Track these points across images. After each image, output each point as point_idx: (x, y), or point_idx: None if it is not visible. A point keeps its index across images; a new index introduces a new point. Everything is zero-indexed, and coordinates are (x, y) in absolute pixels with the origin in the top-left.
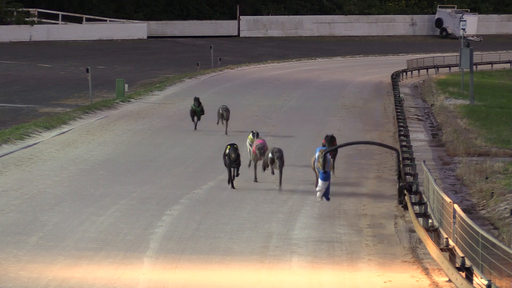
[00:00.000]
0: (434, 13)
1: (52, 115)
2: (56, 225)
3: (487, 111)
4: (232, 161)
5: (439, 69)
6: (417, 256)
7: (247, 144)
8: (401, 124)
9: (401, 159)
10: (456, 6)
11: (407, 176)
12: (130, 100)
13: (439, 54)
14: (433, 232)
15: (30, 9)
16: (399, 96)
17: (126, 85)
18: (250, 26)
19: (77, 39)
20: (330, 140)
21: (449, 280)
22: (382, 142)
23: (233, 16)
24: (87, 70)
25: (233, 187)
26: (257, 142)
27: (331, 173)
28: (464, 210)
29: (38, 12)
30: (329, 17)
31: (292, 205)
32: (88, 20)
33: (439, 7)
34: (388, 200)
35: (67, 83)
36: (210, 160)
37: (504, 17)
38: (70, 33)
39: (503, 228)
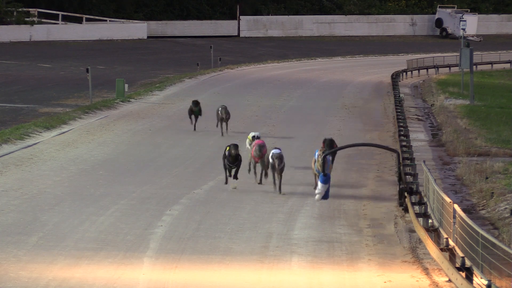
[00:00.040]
0: (434, 13)
1: (52, 115)
2: (56, 225)
3: (487, 111)
4: (232, 158)
5: (439, 69)
6: (417, 256)
7: (247, 144)
8: (401, 124)
9: (401, 161)
10: (456, 6)
11: (407, 177)
12: (130, 100)
13: (439, 54)
14: (433, 232)
15: (30, 9)
16: (399, 96)
17: (126, 85)
18: (250, 26)
19: (77, 39)
20: (329, 143)
21: (449, 280)
22: (383, 142)
23: (233, 16)
24: (87, 70)
25: (226, 182)
26: (256, 142)
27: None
28: (464, 210)
29: (38, 12)
30: (329, 17)
31: (292, 205)
32: (88, 20)
33: (439, 7)
34: (388, 200)
35: (67, 83)
36: (210, 160)
37: (504, 17)
38: (70, 33)
39: (503, 228)
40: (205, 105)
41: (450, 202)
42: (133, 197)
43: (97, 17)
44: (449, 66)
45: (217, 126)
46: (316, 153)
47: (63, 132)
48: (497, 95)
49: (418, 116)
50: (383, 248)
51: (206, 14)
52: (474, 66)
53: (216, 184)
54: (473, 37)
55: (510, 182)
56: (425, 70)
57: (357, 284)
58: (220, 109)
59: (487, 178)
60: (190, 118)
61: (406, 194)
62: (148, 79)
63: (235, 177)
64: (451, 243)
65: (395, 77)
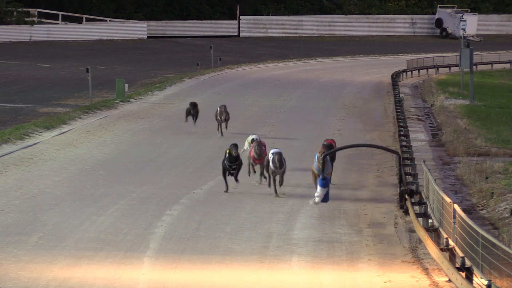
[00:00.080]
0: (434, 13)
1: (52, 115)
2: (56, 225)
3: (487, 111)
4: (233, 158)
5: (439, 69)
6: (417, 256)
7: (245, 145)
8: (401, 124)
9: (402, 163)
10: (456, 6)
11: (407, 177)
12: (130, 100)
13: (439, 54)
14: (433, 232)
15: (30, 9)
16: (399, 96)
17: (126, 85)
18: (250, 26)
19: (77, 39)
20: (328, 147)
21: (449, 280)
22: (383, 142)
23: (233, 16)
24: (87, 70)
25: (227, 190)
26: (255, 143)
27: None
28: (464, 210)
29: (38, 12)
30: (329, 17)
31: (292, 205)
32: (88, 20)
33: (439, 7)
34: (388, 200)
35: (67, 83)
36: (210, 160)
37: (504, 17)
38: (70, 33)
39: (503, 228)
40: (205, 105)
41: (450, 202)
42: (133, 197)
43: (97, 17)
44: (449, 66)
45: (218, 129)
46: (316, 156)
47: (63, 132)
48: (497, 95)
49: (418, 116)
50: (383, 248)
51: (206, 14)
52: (474, 66)
53: (216, 184)
54: (473, 37)
55: (510, 182)
56: (425, 70)
57: (357, 284)
58: (218, 110)
59: (487, 178)
60: (186, 117)
61: (406, 196)
62: (148, 79)
63: (236, 179)
64: (451, 243)
65: (395, 77)
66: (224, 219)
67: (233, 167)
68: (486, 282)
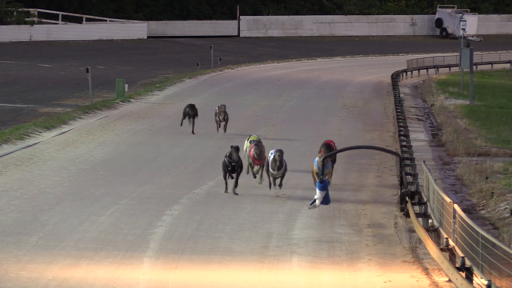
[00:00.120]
0: (434, 13)
1: (52, 115)
2: (56, 225)
3: (487, 111)
4: (234, 162)
5: (439, 69)
6: (417, 256)
7: (245, 146)
8: (401, 124)
9: (402, 165)
10: (456, 6)
11: (408, 176)
12: (130, 100)
13: (439, 54)
14: (433, 232)
15: (30, 9)
16: (399, 96)
17: (126, 85)
18: (250, 26)
19: (77, 39)
20: (327, 146)
21: (449, 280)
22: (383, 142)
23: (233, 16)
24: (87, 70)
25: (226, 190)
26: (255, 144)
27: (328, 181)
28: (464, 210)
29: (38, 12)
30: (329, 17)
31: (292, 205)
32: (88, 20)
33: (439, 7)
34: (388, 200)
35: (67, 83)
36: (210, 160)
37: (504, 17)
38: (70, 33)
39: (503, 228)
40: (205, 105)
41: (450, 202)
42: (133, 197)
43: (97, 17)
44: (449, 66)
45: (217, 130)
46: (316, 160)
47: (63, 132)
48: (497, 95)
49: (418, 116)
50: (383, 248)
51: (206, 14)
52: (474, 66)
53: (216, 184)
54: (473, 37)
55: (510, 182)
56: (425, 70)
57: (357, 284)
58: (217, 110)
59: (487, 178)
60: (183, 120)
61: (407, 199)
62: (148, 79)
63: (236, 183)
64: (451, 243)
65: (395, 77)
66: (224, 219)
67: (233, 164)
68: (486, 282)
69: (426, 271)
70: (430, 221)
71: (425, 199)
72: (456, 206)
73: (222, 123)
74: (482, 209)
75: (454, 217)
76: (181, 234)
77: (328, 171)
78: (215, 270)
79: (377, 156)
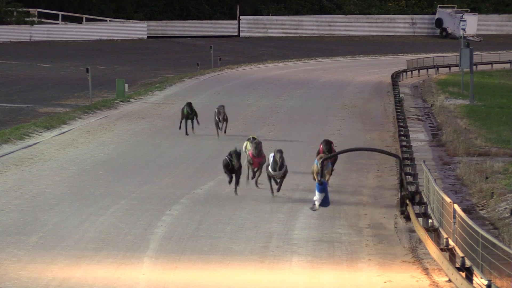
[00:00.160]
0: (434, 13)
1: (52, 115)
2: (56, 225)
3: (487, 111)
4: (235, 169)
5: (439, 69)
6: (417, 256)
7: (244, 146)
8: (401, 124)
9: (402, 167)
10: (456, 6)
11: (408, 176)
12: (130, 100)
13: (439, 54)
14: (433, 232)
15: (30, 9)
16: (399, 96)
17: (126, 85)
18: (250, 26)
19: (77, 39)
20: (326, 142)
21: (449, 280)
22: (383, 142)
23: (233, 16)
24: (87, 70)
25: (230, 181)
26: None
27: (327, 182)
28: (464, 210)
29: (38, 12)
30: (329, 17)
31: (292, 205)
32: (88, 20)
33: (439, 7)
34: (388, 200)
35: (67, 83)
36: (210, 160)
37: (504, 17)
38: (70, 33)
39: (503, 228)
40: (205, 105)
41: (450, 202)
42: (133, 197)
43: (97, 17)
44: (449, 66)
45: (218, 135)
46: (316, 162)
47: (63, 132)
48: (497, 95)
49: (418, 116)
50: (383, 248)
51: (206, 14)
52: (474, 66)
53: (216, 184)
54: (473, 37)
55: (510, 182)
56: (425, 70)
57: (357, 284)
58: (216, 110)
59: (487, 178)
60: (181, 122)
61: (408, 201)
62: (148, 79)
63: (237, 181)
64: (451, 243)
65: (395, 77)
66: (224, 219)
67: (233, 163)
68: (486, 282)
69: (426, 271)
70: (430, 221)
71: (425, 199)
72: (456, 206)
73: (222, 124)
74: (482, 209)
75: (454, 217)
76: (181, 234)
77: (328, 171)
78: (215, 270)
79: (377, 157)
